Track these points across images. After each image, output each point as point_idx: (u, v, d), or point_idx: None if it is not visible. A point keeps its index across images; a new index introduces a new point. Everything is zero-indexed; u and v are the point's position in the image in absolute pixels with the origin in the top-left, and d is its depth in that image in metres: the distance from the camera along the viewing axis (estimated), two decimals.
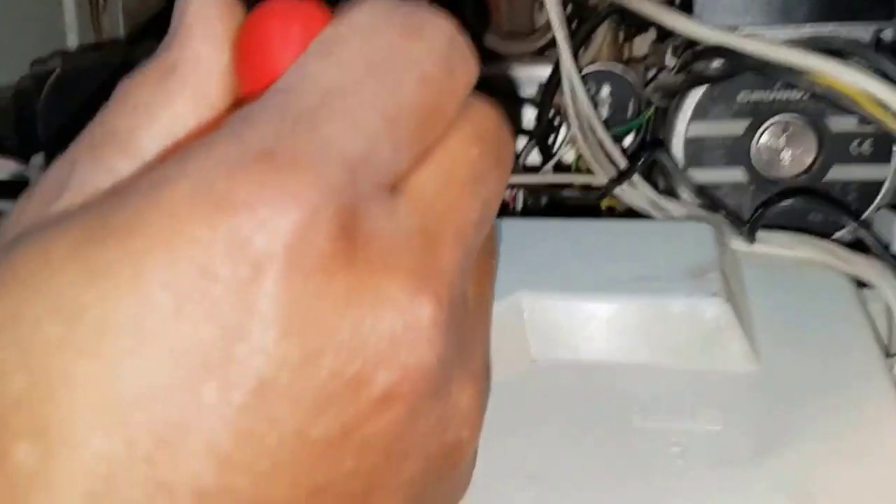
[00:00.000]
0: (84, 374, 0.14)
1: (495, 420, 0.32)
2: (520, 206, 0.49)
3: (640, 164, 0.42)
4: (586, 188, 0.47)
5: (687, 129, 0.46)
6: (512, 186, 0.49)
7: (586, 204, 0.47)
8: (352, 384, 0.16)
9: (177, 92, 0.18)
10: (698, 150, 0.45)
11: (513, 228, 0.41)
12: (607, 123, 0.50)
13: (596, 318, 0.36)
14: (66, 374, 0.14)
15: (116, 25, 0.66)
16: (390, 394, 0.16)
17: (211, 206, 0.15)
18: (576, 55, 0.47)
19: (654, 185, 0.46)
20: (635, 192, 0.45)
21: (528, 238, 0.40)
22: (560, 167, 0.52)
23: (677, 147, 0.46)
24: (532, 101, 0.53)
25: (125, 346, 0.14)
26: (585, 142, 0.47)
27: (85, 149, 0.18)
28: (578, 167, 0.51)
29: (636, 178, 0.45)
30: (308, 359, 0.15)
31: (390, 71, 0.17)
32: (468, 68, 0.19)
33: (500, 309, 0.36)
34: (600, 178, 0.46)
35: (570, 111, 0.46)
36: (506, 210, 0.50)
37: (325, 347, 0.15)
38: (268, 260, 0.15)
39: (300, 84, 0.17)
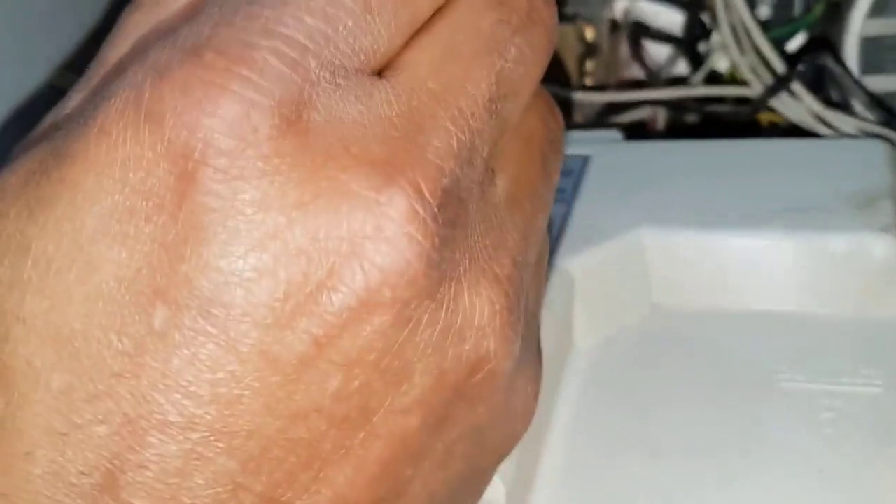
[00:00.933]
0: (34, 312, 0.14)
1: (610, 377, 0.28)
2: (661, 125, 0.43)
3: (798, 69, 0.35)
4: (741, 101, 0.40)
5: (863, 27, 0.38)
6: (652, 103, 0.42)
7: (741, 121, 0.40)
8: (315, 295, 0.14)
9: (164, 13, 0.17)
10: (876, 53, 0.37)
11: (638, 152, 0.35)
12: (770, 24, 0.42)
13: (734, 256, 0.30)
14: (18, 314, 0.14)
15: None
16: (367, 301, 0.15)
17: (138, 119, 0.14)
18: None
19: (825, 97, 0.39)
20: (797, 104, 0.38)
21: (655, 163, 0.34)
22: (713, 78, 0.45)
23: (851, 49, 0.38)
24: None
25: (70, 279, 0.14)
26: (739, 46, 0.40)
27: (83, 80, 0.18)
28: (734, 77, 0.44)
29: (798, 87, 0.37)
30: (260, 271, 0.14)
31: None
32: None
33: (617, 247, 0.31)
34: (756, 88, 0.39)
35: (720, 8, 0.39)
36: (645, 131, 0.43)
37: (279, 257, 0.14)
38: (201, 168, 0.14)
39: None
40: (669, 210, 0.32)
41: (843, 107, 0.38)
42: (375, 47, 0.16)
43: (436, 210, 0.15)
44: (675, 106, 0.42)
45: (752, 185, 0.32)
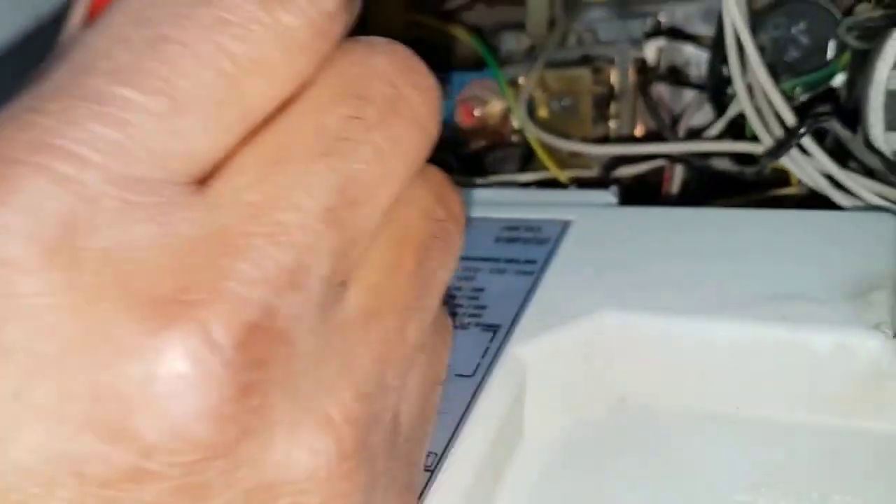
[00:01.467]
0: None
1: (560, 477, 0.25)
2: (677, 187, 0.39)
3: (799, 133, 0.31)
4: (748, 159, 0.37)
5: (889, 80, 0.34)
6: (650, 157, 0.39)
7: (749, 181, 0.37)
8: (79, 466, 0.13)
9: None
10: None
11: (626, 219, 0.32)
12: (798, 69, 0.39)
13: (707, 349, 0.27)
14: None
15: None
16: (136, 472, 0.13)
17: None
18: None
19: (845, 156, 0.35)
20: (809, 163, 0.34)
21: (641, 234, 0.31)
22: (737, 131, 0.41)
23: (876, 103, 0.34)
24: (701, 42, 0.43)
25: None
26: (751, 98, 0.36)
27: None
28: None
29: (811, 145, 0.34)
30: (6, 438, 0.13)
31: None
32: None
33: (578, 331, 0.29)
34: (767, 144, 0.36)
35: (731, 54, 0.36)
36: (658, 193, 0.40)
37: (31, 420, 0.13)
38: None
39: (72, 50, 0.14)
40: (644, 291, 0.29)
41: (864, 167, 0.34)
42: (191, 153, 0.14)
43: (232, 352, 0.13)
44: (679, 161, 0.38)
45: (741, 265, 0.29)
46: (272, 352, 0.14)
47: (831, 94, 0.37)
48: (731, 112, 0.37)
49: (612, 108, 0.47)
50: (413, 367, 0.19)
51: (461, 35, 0.48)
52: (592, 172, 0.42)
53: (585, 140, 0.42)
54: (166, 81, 0.14)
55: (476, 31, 0.50)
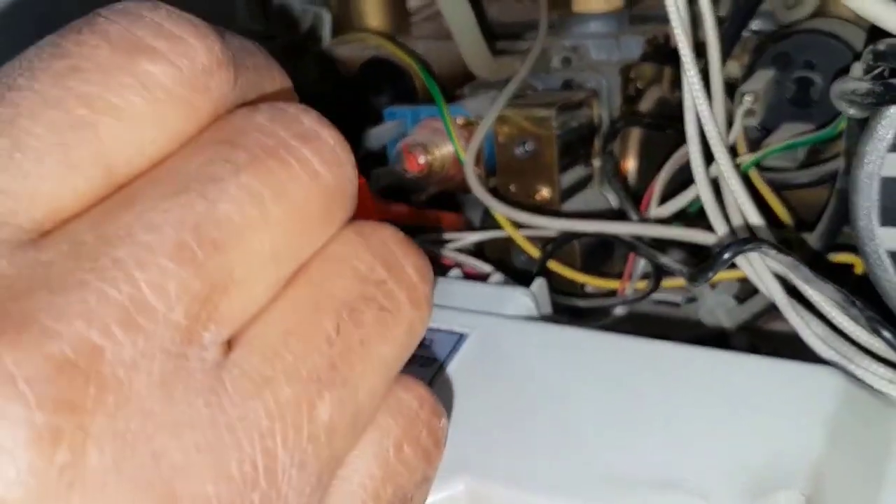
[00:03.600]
0: None
1: None
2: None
3: (722, 260, 0.25)
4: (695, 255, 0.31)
5: (886, 164, 0.28)
6: (591, 235, 0.34)
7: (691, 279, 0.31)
8: None
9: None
10: None
11: (529, 339, 0.28)
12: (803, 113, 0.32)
13: None
14: None
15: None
16: None
17: None
18: None
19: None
20: (766, 272, 0.28)
21: (536, 364, 0.27)
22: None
23: (866, 189, 0.28)
24: None
25: None
26: (706, 175, 0.30)
27: None
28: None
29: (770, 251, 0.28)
30: None
31: None
32: None
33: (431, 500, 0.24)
34: (721, 234, 0.30)
35: (692, 143, 0.30)
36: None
37: None
38: None
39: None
40: (510, 453, 0.24)
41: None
42: (34, 195, 0.14)
43: (29, 388, 0.12)
44: (627, 245, 0.33)
45: (637, 424, 0.24)
46: (91, 396, 0.12)
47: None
48: (689, 195, 0.32)
49: (596, 143, 0.41)
50: (343, 464, 0.16)
51: (413, 66, 0.43)
52: (553, 230, 0.37)
53: (534, 209, 0.36)
54: (10, 123, 0.13)
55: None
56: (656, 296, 0.35)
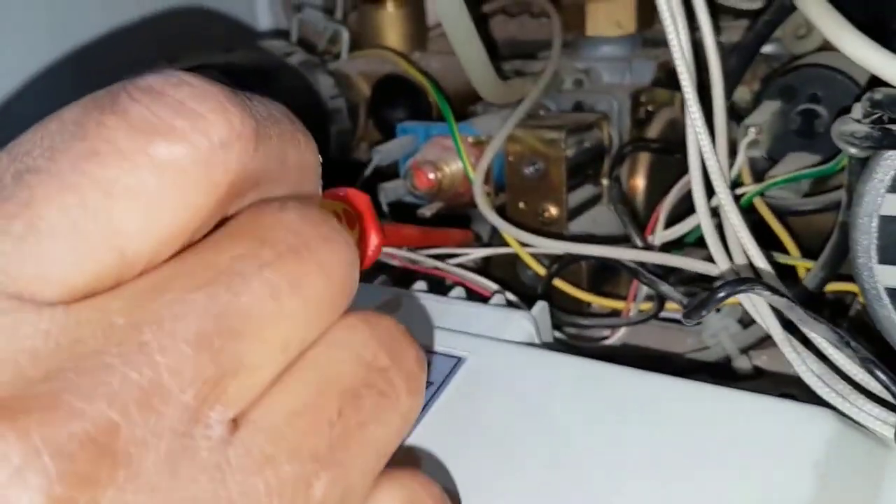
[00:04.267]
0: None
1: None
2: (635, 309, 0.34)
3: (717, 298, 0.25)
4: (697, 281, 0.32)
5: (885, 203, 0.28)
6: (595, 259, 0.34)
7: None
8: None
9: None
10: None
11: (528, 364, 0.28)
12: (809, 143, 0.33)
13: None
14: None
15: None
16: None
17: None
18: None
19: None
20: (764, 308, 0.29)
21: (531, 397, 0.27)
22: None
23: (865, 227, 0.29)
24: None
25: None
26: (707, 208, 0.31)
27: None
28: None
29: (771, 286, 0.28)
30: None
31: None
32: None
33: None
34: (723, 268, 0.30)
35: (690, 149, 0.30)
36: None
37: None
38: None
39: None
40: (496, 487, 0.24)
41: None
42: (50, 275, 0.14)
43: (53, 464, 0.13)
44: (630, 270, 0.33)
45: (623, 466, 0.24)
46: (105, 472, 0.13)
47: None
48: (692, 222, 0.32)
49: (605, 163, 0.41)
50: None
51: (426, 84, 0.44)
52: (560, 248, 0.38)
53: (542, 227, 0.37)
54: (26, 205, 0.14)
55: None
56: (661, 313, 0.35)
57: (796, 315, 0.26)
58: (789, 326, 0.29)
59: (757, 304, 0.29)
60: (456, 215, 0.45)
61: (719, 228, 0.32)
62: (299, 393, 0.16)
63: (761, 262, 0.30)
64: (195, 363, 0.14)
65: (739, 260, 0.30)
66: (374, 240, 0.28)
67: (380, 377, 0.17)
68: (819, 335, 0.26)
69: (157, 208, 0.15)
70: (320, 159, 0.18)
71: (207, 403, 0.14)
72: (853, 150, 0.30)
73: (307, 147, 0.18)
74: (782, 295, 0.25)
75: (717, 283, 0.25)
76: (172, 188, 0.15)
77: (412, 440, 0.27)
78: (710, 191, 0.32)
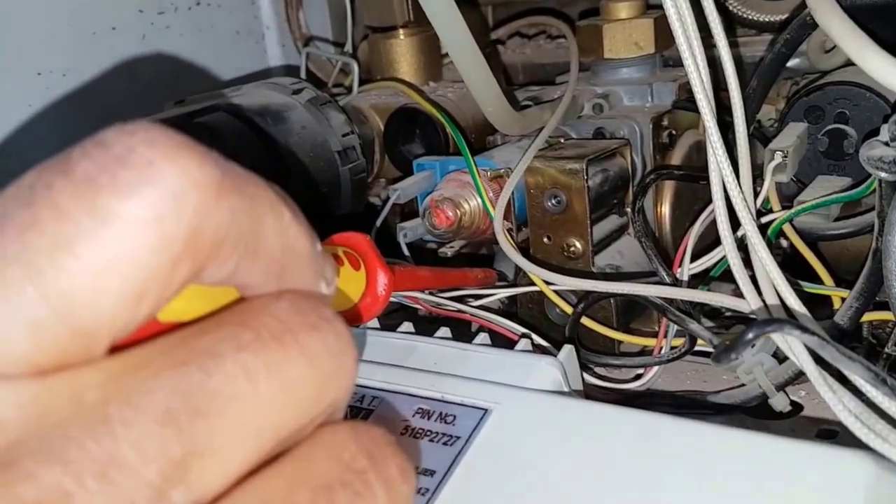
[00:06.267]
0: None
1: None
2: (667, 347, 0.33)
3: (746, 339, 0.24)
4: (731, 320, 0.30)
5: None
6: (621, 296, 0.33)
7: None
8: None
9: None
10: None
11: (554, 414, 0.27)
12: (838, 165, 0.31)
13: None
14: None
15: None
16: None
17: None
18: None
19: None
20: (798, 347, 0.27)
21: (556, 445, 0.26)
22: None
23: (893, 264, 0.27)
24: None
25: None
26: (734, 242, 0.30)
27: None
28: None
29: (809, 328, 0.27)
30: None
31: None
32: None
33: None
34: (753, 304, 0.29)
35: (713, 179, 0.29)
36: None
37: None
38: None
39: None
40: None
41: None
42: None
43: None
44: (656, 307, 0.32)
45: None
46: None
47: None
48: (720, 255, 0.31)
49: (630, 191, 0.40)
50: None
51: (440, 118, 0.43)
52: (586, 286, 0.36)
53: (565, 269, 0.36)
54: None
55: None
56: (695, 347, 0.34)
57: (830, 354, 0.24)
58: (824, 362, 0.28)
59: (790, 342, 0.28)
60: (480, 254, 0.44)
61: (747, 260, 0.31)
62: (274, 485, 0.16)
63: (791, 299, 0.28)
64: (160, 440, 0.14)
65: (769, 293, 0.29)
66: (382, 278, 0.27)
67: (357, 478, 0.17)
68: (854, 374, 0.25)
69: (106, 272, 0.14)
70: (320, 249, 0.17)
71: (170, 483, 0.14)
72: (883, 175, 0.29)
73: (296, 230, 0.16)
74: (813, 333, 0.24)
75: (746, 326, 0.24)
76: (119, 246, 0.14)
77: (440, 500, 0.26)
78: (736, 220, 0.31)
